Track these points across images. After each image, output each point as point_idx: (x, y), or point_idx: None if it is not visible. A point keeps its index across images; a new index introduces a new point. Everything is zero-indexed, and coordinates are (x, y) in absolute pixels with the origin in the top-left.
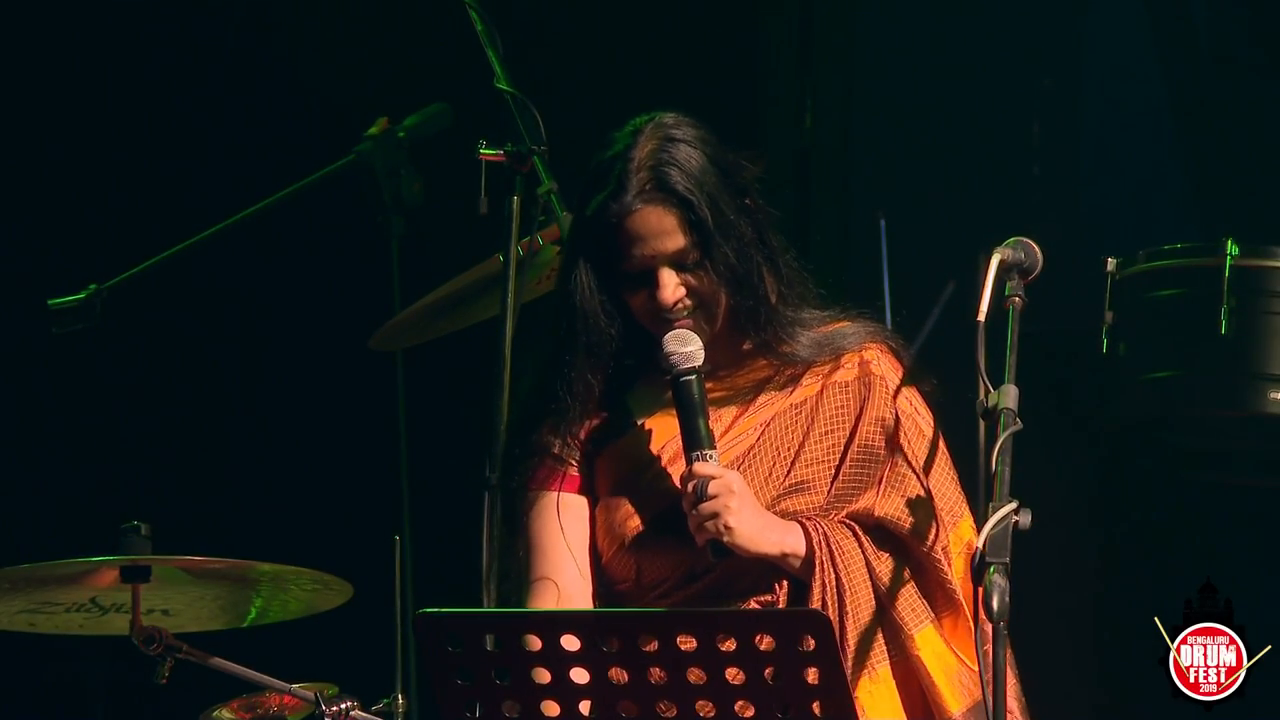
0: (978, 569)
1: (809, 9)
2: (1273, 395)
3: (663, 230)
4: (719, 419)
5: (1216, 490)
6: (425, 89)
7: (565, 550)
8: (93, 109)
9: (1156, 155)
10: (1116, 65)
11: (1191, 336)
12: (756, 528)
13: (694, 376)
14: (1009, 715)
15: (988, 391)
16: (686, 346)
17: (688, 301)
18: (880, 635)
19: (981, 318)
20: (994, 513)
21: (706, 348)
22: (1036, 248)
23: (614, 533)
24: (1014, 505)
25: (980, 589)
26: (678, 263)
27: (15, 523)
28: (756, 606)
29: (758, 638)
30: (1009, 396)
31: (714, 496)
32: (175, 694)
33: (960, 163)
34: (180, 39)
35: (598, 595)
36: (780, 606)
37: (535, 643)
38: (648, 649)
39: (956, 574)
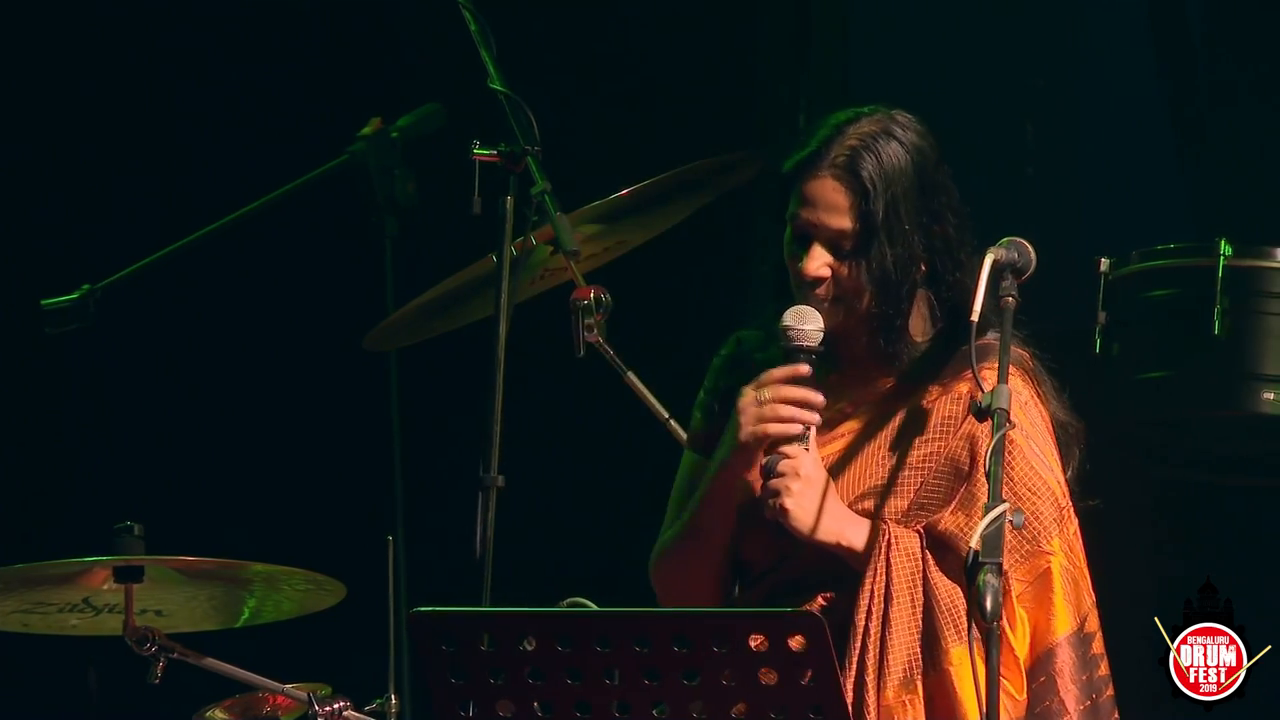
0: (970, 569)
1: (804, 9)
2: (1265, 395)
3: (833, 205)
4: (832, 409)
5: (1216, 490)
6: (419, 89)
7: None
8: (86, 110)
9: (1150, 155)
10: (1110, 65)
11: (1185, 337)
12: (814, 514)
13: (803, 357)
14: None
15: (982, 392)
16: (805, 324)
17: (829, 285)
18: (919, 648)
19: (975, 318)
20: (988, 513)
21: (841, 339)
22: (1030, 248)
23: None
24: (1007, 506)
25: (974, 589)
26: (834, 243)
27: (9, 523)
28: (823, 603)
29: (751, 638)
30: (1003, 397)
31: (780, 475)
32: (168, 694)
33: (954, 163)
34: (174, 39)
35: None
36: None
37: (530, 643)
38: (640, 649)
39: (1014, 596)
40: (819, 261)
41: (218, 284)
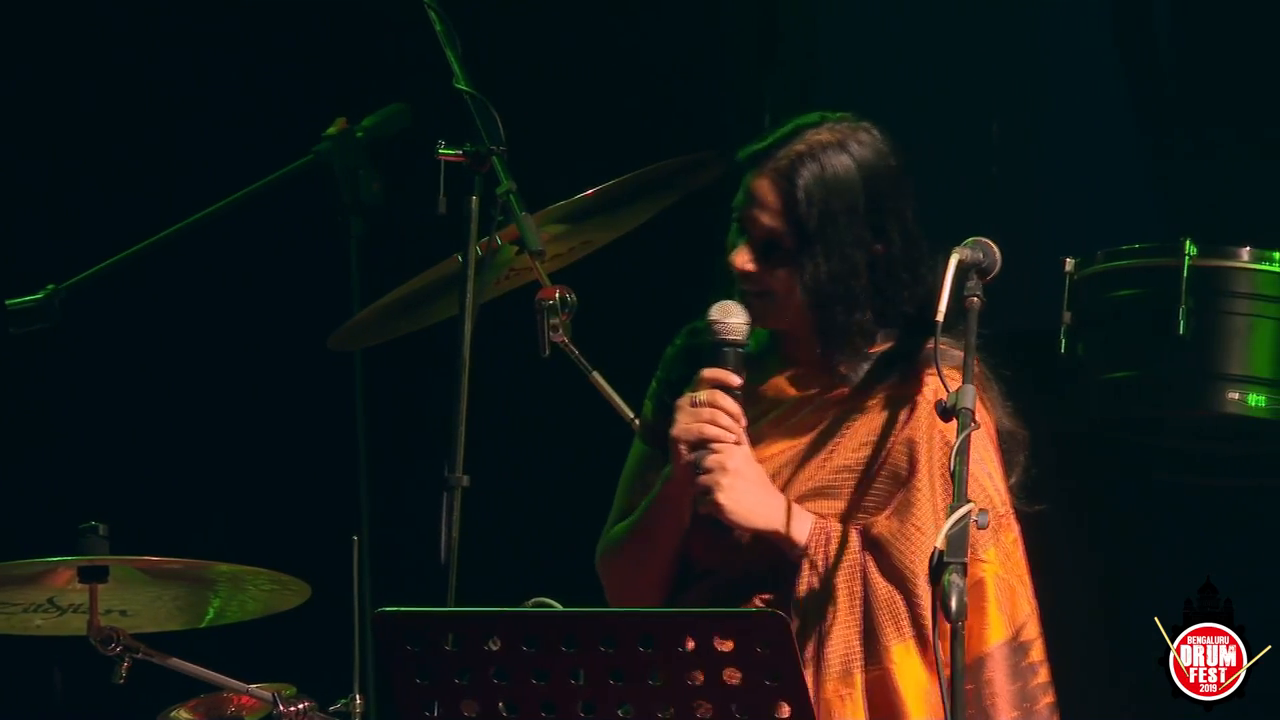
0: (935, 569)
1: (771, 9)
2: (1230, 395)
3: (766, 205)
4: (780, 409)
5: (1215, 490)
6: (384, 89)
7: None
8: (50, 109)
9: (1115, 155)
10: (1076, 65)
11: (1150, 337)
12: (748, 504)
13: (730, 349)
14: None
15: (946, 392)
16: (728, 318)
17: (758, 283)
18: (860, 644)
19: (940, 317)
20: (953, 513)
21: (790, 339)
22: (995, 247)
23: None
24: (972, 505)
25: (938, 589)
26: (764, 242)
27: None
28: (759, 603)
29: (716, 639)
30: (968, 397)
31: (708, 471)
32: (133, 694)
33: (919, 163)
34: (139, 39)
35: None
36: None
37: (495, 643)
38: (606, 650)
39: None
40: (745, 256)
41: (183, 284)
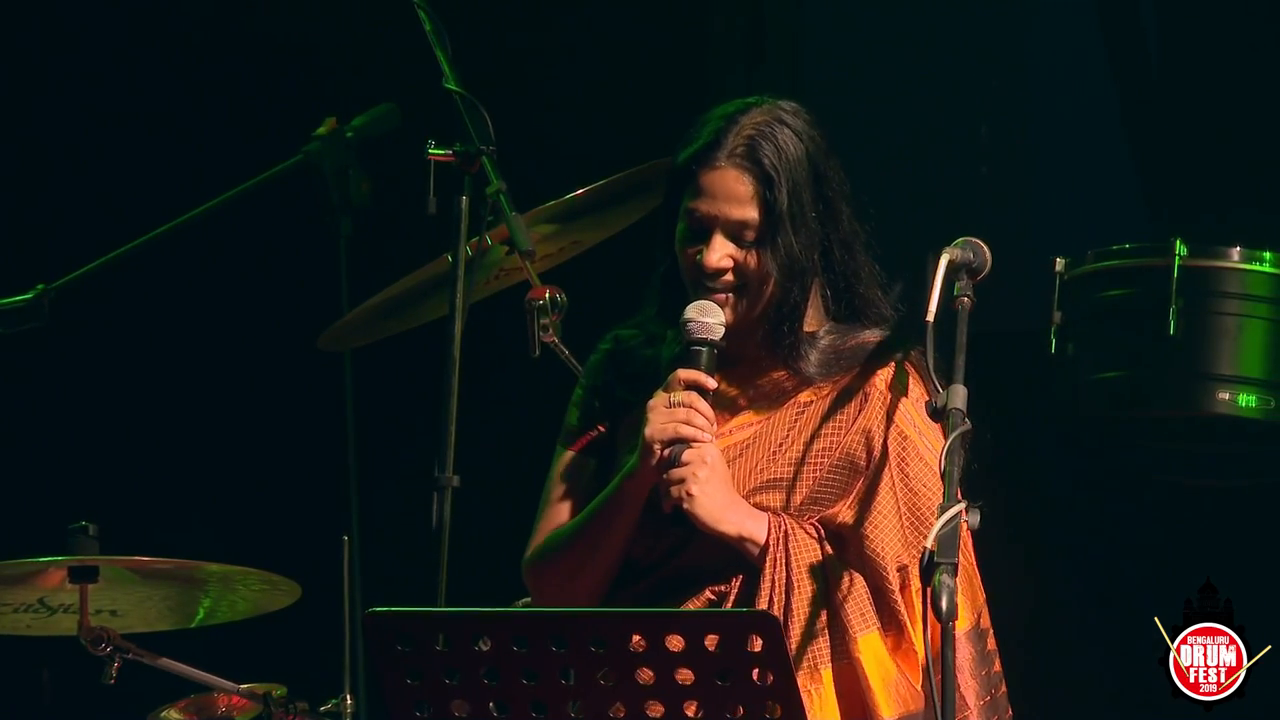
0: (926, 569)
1: (758, 9)
2: (1220, 395)
3: (735, 196)
4: (729, 404)
5: (1216, 490)
6: (373, 89)
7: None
8: (38, 109)
9: (1105, 155)
10: (1064, 66)
11: (1140, 336)
12: (719, 504)
13: (706, 349)
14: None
15: (937, 392)
16: (707, 317)
17: (730, 276)
18: (826, 637)
19: (930, 318)
20: (943, 513)
21: (734, 335)
22: (985, 248)
23: None
24: (963, 505)
25: (929, 589)
26: (736, 234)
27: None
28: (711, 596)
29: (707, 638)
30: (958, 397)
31: (686, 464)
32: (123, 694)
33: (909, 163)
34: (127, 39)
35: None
36: (731, 599)
37: (485, 643)
38: (596, 649)
39: (914, 592)
40: (720, 253)
41: (172, 284)
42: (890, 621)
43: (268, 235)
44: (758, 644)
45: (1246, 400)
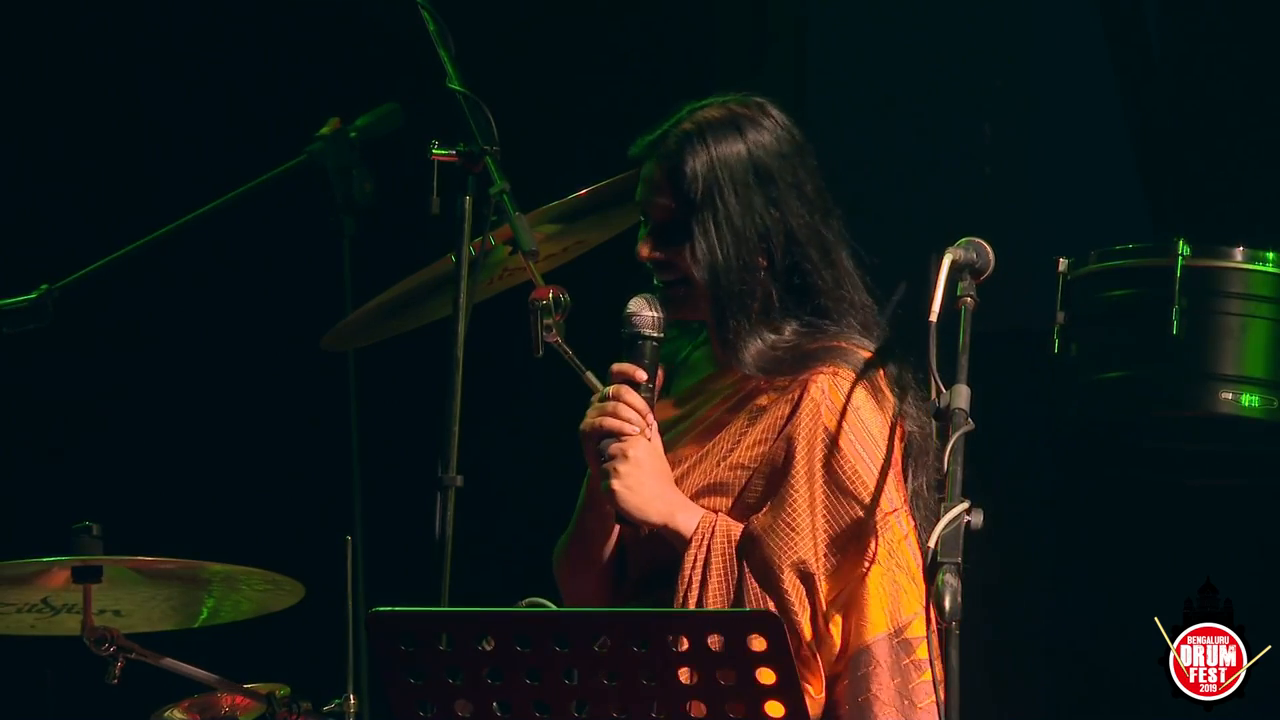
0: (930, 569)
1: (762, 9)
2: (1224, 395)
3: (657, 186)
4: (679, 405)
5: (1215, 490)
6: (377, 89)
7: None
8: (44, 108)
9: (1108, 155)
10: (1067, 65)
11: (1143, 337)
12: (644, 496)
13: (643, 342)
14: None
15: (940, 392)
16: (644, 311)
17: (671, 273)
18: None
19: (934, 318)
20: (946, 513)
21: (685, 333)
22: (988, 248)
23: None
24: (966, 505)
25: (932, 589)
26: (660, 225)
27: None
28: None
29: (709, 638)
30: (961, 397)
31: (610, 459)
32: (127, 695)
33: (912, 163)
34: (133, 39)
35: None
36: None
37: (488, 643)
38: (599, 649)
39: (823, 598)
40: (645, 245)
41: (176, 284)
42: (790, 626)
43: (271, 235)
44: (760, 644)
45: (1250, 400)
